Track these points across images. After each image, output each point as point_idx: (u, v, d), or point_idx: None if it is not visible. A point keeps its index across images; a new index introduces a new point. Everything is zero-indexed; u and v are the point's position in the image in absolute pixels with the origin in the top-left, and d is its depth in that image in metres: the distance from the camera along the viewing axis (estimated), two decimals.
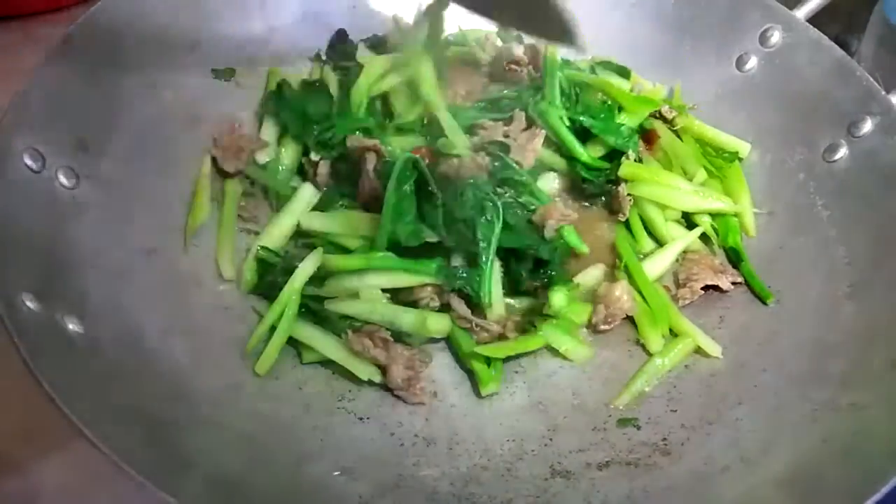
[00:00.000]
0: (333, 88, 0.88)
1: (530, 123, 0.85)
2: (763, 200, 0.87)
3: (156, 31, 0.80)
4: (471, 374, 0.74)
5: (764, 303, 0.80)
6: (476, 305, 0.75)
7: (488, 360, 0.73)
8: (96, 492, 0.69)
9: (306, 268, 0.73)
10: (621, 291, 0.77)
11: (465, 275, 0.74)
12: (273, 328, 0.71)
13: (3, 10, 1.05)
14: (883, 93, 0.80)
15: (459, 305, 0.74)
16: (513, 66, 0.89)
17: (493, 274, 0.75)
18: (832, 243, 0.80)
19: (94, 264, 0.66)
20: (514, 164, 0.80)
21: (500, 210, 0.74)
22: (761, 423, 0.69)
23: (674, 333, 0.78)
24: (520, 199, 0.79)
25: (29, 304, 0.56)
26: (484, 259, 0.74)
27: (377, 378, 0.71)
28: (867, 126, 0.80)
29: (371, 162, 0.78)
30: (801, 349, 0.74)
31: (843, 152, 0.82)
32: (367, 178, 0.78)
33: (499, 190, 0.78)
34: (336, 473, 0.64)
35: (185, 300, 0.73)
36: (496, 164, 0.79)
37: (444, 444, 0.69)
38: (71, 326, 0.59)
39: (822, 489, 0.60)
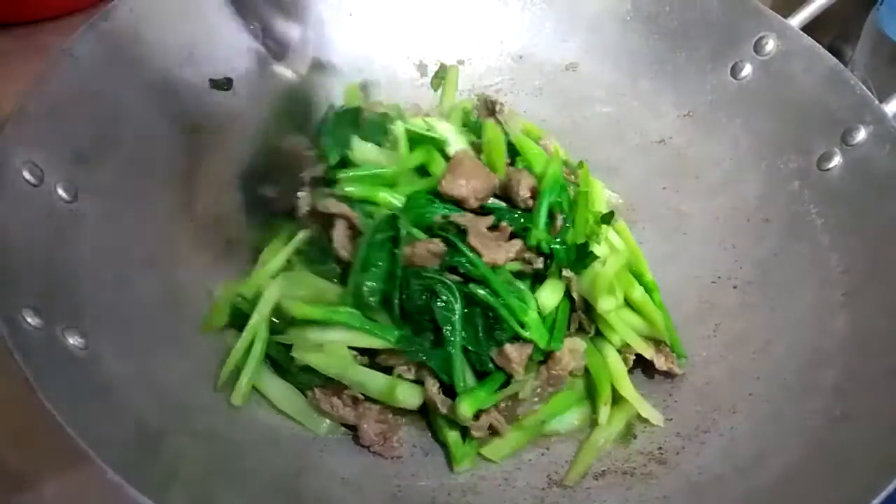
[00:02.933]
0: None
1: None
2: (758, 207, 0.87)
3: (153, 42, 0.80)
4: None
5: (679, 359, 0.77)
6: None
7: (464, 432, 0.69)
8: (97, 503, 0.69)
9: (272, 294, 0.71)
10: (562, 352, 0.72)
11: (426, 349, 0.69)
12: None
13: (8, 18, 1.05)
14: (876, 102, 0.81)
15: (433, 387, 0.69)
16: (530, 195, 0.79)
17: (463, 361, 0.70)
18: (826, 251, 0.80)
19: (93, 277, 0.66)
20: (469, 252, 0.72)
21: (457, 293, 0.70)
22: (755, 432, 0.70)
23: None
24: (477, 291, 0.71)
25: (29, 319, 0.56)
26: (451, 343, 0.69)
27: (337, 433, 0.70)
28: (861, 135, 0.81)
29: (341, 229, 0.74)
30: (795, 358, 0.74)
31: (836, 161, 0.82)
32: (336, 245, 0.73)
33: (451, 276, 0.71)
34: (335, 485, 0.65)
35: (184, 311, 0.73)
36: (450, 248, 0.72)
37: (441, 455, 0.70)
38: (71, 341, 0.59)
39: (815, 499, 0.61)
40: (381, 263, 0.71)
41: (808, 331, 0.76)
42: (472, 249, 0.72)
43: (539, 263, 0.76)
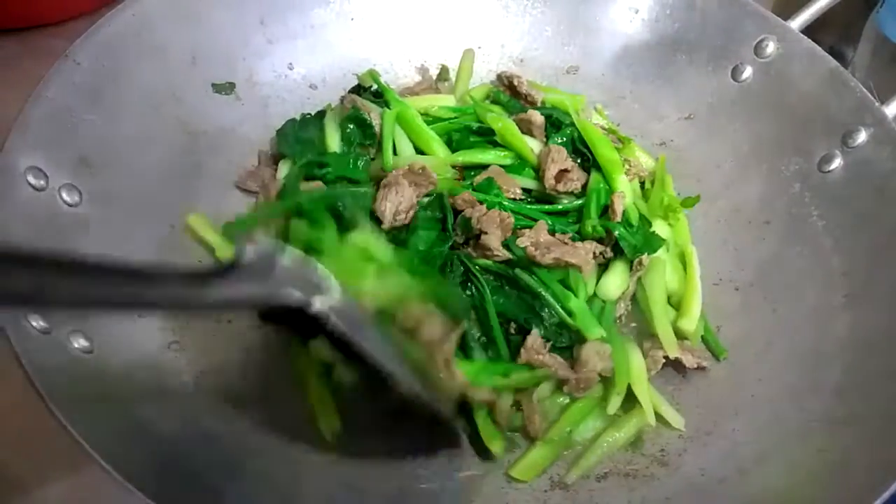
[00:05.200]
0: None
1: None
2: (759, 210, 0.88)
3: (156, 46, 0.81)
4: None
5: (717, 358, 0.79)
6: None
7: (492, 417, 0.70)
8: None
9: None
10: (588, 354, 0.71)
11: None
12: None
13: (3, 23, 1.05)
14: (877, 104, 0.81)
15: (450, 351, 0.67)
16: (564, 175, 0.82)
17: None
18: (827, 253, 0.80)
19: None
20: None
21: (485, 285, 0.73)
22: (757, 433, 0.70)
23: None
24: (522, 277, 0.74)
25: (35, 323, 0.57)
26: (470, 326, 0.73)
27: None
28: (861, 137, 0.81)
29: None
30: (796, 359, 0.75)
31: (837, 163, 0.83)
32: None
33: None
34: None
35: (186, 315, 0.73)
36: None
37: (444, 457, 0.70)
38: (76, 345, 0.60)
39: (817, 501, 0.61)
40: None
41: (809, 333, 0.76)
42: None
43: (609, 253, 0.79)
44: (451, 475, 0.68)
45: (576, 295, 0.75)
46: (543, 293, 0.73)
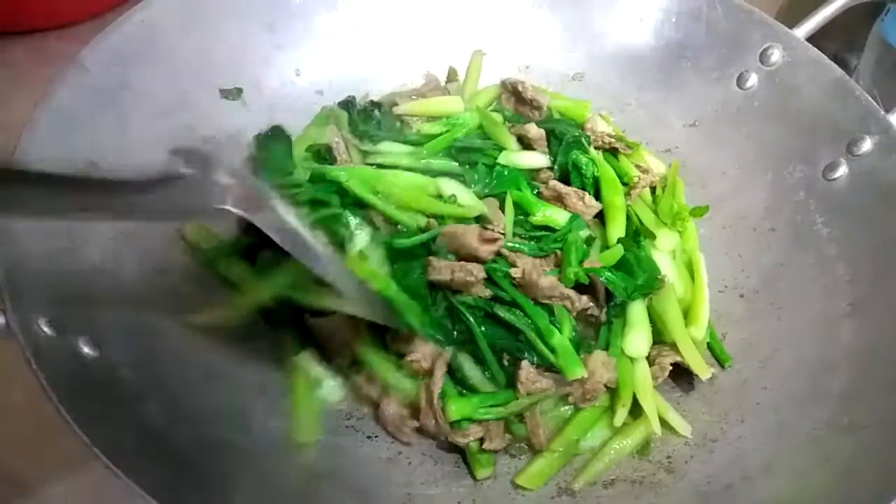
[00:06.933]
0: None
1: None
2: (764, 217, 0.88)
3: (164, 52, 0.81)
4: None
5: (722, 366, 0.79)
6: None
7: (481, 442, 0.69)
8: None
9: None
10: (595, 365, 0.71)
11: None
12: None
13: (11, 27, 1.06)
14: (882, 112, 0.81)
15: (437, 385, 0.69)
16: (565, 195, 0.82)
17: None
18: (832, 261, 0.80)
19: (106, 287, 0.67)
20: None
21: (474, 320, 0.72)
22: (763, 441, 0.70)
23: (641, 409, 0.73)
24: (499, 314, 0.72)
25: (45, 328, 0.57)
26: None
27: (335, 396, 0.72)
28: (866, 145, 0.81)
29: None
30: (801, 367, 0.75)
31: (842, 171, 0.83)
32: None
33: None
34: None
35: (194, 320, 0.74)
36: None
37: (451, 462, 0.70)
38: (86, 350, 0.60)
39: None
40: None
41: (814, 340, 0.76)
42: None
43: (602, 316, 0.75)
44: (459, 481, 0.69)
45: (560, 331, 0.72)
46: (526, 330, 0.71)
